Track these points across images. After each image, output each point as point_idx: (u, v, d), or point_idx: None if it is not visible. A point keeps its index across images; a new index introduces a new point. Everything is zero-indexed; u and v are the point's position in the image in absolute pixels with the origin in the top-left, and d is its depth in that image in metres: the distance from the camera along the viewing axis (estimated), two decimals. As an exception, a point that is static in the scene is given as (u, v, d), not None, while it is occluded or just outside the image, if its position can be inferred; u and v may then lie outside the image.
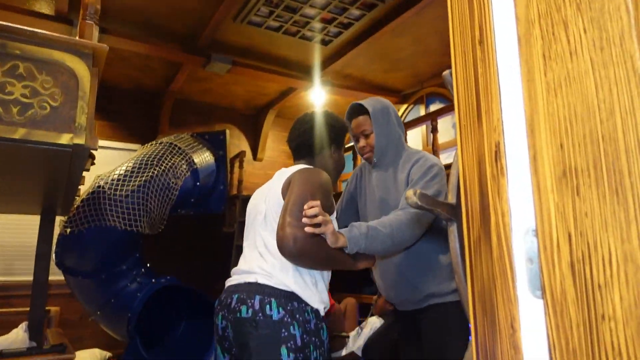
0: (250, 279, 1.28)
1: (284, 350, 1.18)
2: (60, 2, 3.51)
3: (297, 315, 1.23)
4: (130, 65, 4.64)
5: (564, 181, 0.46)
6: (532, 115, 0.51)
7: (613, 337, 0.41)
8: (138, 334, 3.48)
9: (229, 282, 1.38)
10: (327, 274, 1.40)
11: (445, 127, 4.67)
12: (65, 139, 1.21)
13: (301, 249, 1.18)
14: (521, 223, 0.55)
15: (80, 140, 1.22)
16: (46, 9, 3.71)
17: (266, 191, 1.46)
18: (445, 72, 0.78)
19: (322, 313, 1.31)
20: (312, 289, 1.29)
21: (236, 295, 1.27)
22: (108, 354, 4.22)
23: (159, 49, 4.07)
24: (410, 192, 0.64)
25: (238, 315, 1.24)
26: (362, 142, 1.70)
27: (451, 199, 0.70)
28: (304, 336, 1.22)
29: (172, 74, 4.76)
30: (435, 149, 3.41)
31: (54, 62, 1.26)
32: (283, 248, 1.19)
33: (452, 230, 0.69)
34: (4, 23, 1.20)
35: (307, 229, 1.19)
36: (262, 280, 1.26)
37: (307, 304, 1.26)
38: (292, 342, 1.19)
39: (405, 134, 1.68)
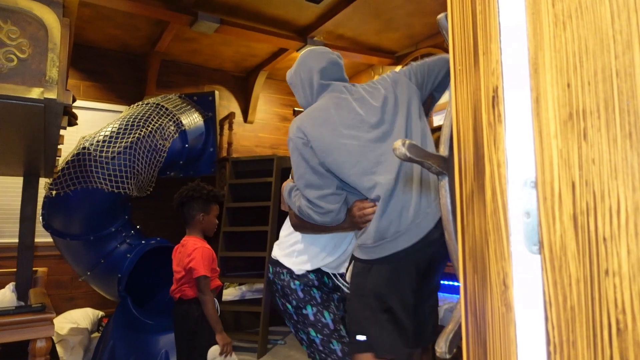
0: None
1: None
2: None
3: None
4: (114, 25, 4.45)
5: (570, 125, 0.42)
6: (537, 53, 0.46)
7: (617, 294, 0.38)
8: (129, 294, 3.49)
9: None
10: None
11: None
12: (35, 93, 1.14)
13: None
14: (518, 174, 0.51)
15: (51, 95, 1.15)
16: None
17: None
18: (440, 16, 0.72)
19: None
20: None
21: None
22: (100, 313, 4.25)
23: (143, 6, 3.88)
24: (398, 143, 0.59)
25: None
26: None
27: (443, 152, 0.66)
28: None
29: (158, 33, 4.58)
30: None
31: (20, 10, 1.17)
32: None
33: (443, 184, 0.65)
34: (-36, -37, 1.10)
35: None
36: None
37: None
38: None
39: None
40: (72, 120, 2.45)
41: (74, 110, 2.85)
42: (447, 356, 0.60)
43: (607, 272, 0.38)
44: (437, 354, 0.60)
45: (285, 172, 4.17)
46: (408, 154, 0.59)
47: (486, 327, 0.55)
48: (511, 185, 0.51)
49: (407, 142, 0.59)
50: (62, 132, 1.73)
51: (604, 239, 0.39)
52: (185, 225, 2.40)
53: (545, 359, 0.44)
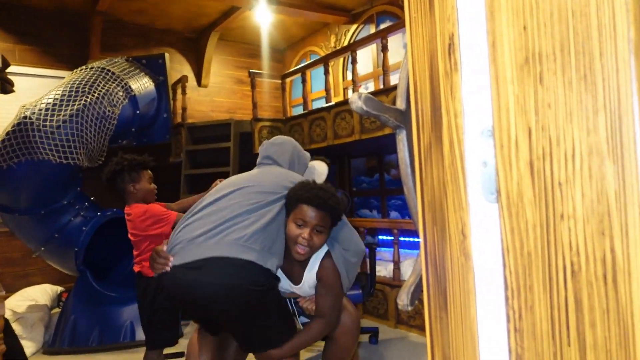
0: None
1: None
2: None
3: None
4: (47, -20, 4.11)
5: (526, 69, 0.41)
6: (493, -5, 0.44)
7: (572, 236, 0.38)
8: (88, 267, 3.40)
9: None
10: None
11: (396, 46, 4.55)
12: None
13: None
14: (476, 124, 0.50)
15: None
16: None
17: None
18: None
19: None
20: None
21: None
22: (60, 289, 4.13)
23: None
24: (354, 96, 0.57)
25: None
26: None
27: (400, 105, 0.64)
28: None
29: (99, -10, 4.28)
30: (385, 70, 3.32)
31: None
32: None
33: (401, 138, 0.64)
34: None
35: None
36: None
37: None
38: None
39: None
40: (7, 87, 2.28)
41: (10, 77, 2.65)
42: (409, 308, 0.61)
43: (562, 216, 0.39)
44: (399, 307, 0.61)
45: (243, 137, 4.09)
46: (365, 107, 0.57)
47: (446, 277, 0.55)
48: (468, 135, 0.51)
49: (364, 94, 0.57)
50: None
51: (560, 183, 0.39)
52: (125, 201, 2.31)
53: (503, 304, 0.45)
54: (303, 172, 1.88)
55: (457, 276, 0.54)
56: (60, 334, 3.21)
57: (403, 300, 0.61)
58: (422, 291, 0.64)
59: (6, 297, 2.16)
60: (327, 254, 1.62)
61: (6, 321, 2.31)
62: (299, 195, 1.53)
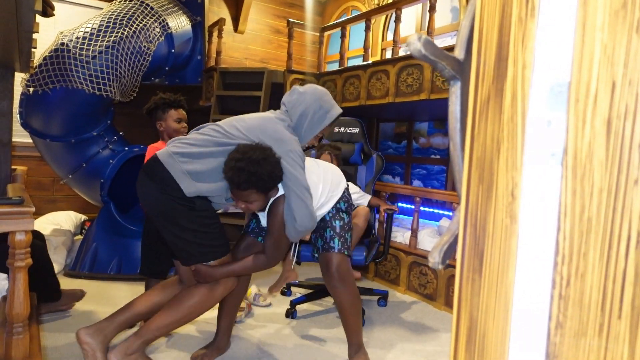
0: None
1: None
2: None
3: None
4: None
5: (622, 15, 0.36)
6: None
7: (644, 205, 0.35)
8: (112, 200, 3.49)
9: None
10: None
11: (443, 9, 4.35)
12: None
13: None
14: (545, 77, 0.46)
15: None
16: None
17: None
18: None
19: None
20: None
21: None
22: (83, 217, 4.28)
23: None
24: (414, 37, 0.53)
25: None
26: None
27: (458, 55, 0.60)
28: None
29: None
30: (430, 31, 3.19)
31: None
32: None
33: (454, 90, 0.60)
34: None
35: None
36: None
37: None
38: None
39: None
40: (48, 10, 2.26)
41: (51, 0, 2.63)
42: (440, 267, 0.59)
43: (636, 182, 0.35)
44: (430, 264, 0.59)
45: (275, 88, 4.04)
46: (423, 51, 0.53)
47: (485, 239, 0.53)
48: (535, 90, 0.47)
49: (424, 36, 0.53)
50: (37, 19, 1.60)
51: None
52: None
53: (549, 270, 0.43)
54: (314, 131, 1.93)
55: (498, 239, 0.51)
56: (81, 259, 3.34)
57: (435, 258, 0.59)
58: (454, 252, 0.62)
59: (34, 218, 2.22)
60: (281, 198, 1.82)
61: (41, 237, 2.41)
62: (224, 171, 1.72)
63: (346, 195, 2.11)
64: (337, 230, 2.03)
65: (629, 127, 0.36)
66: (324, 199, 2.00)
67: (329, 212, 2.05)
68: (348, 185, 2.17)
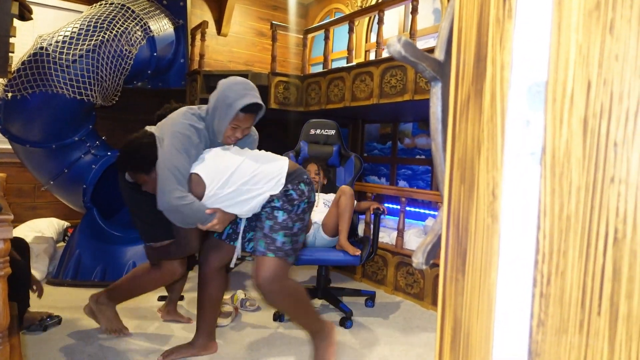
0: None
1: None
2: None
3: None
4: None
5: (596, 15, 0.37)
6: None
7: (620, 202, 0.35)
8: (95, 206, 3.43)
9: None
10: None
11: (425, 12, 4.39)
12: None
13: None
14: (523, 77, 0.46)
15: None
16: None
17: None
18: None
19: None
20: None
21: None
22: (66, 224, 4.20)
23: None
24: (394, 39, 0.53)
25: None
26: (238, 134, 2.02)
27: (438, 56, 0.60)
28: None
29: None
30: (412, 33, 3.21)
31: None
32: None
33: (435, 91, 0.60)
34: None
35: None
36: None
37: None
38: None
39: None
40: (26, 14, 2.23)
41: (29, 4, 2.58)
42: (423, 267, 0.59)
43: (612, 180, 0.36)
44: (414, 265, 0.59)
45: (260, 90, 4.02)
46: (403, 52, 0.53)
47: (467, 238, 0.53)
48: (513, 90, 0.47)
49: (404, 38, 0.53)
50: (15, 23, 1.57)
51: (615, 144, 0.36)
52: None
53: (530, 268, 0.43)
54: (224, 122, 1.95)
55: (480, 238, 0.52)
56: (64, 266, 3.28)
57: (419, 258, 0.59)
58: (438, 252, 0.62)
59: (14, 226, 2.18)
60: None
61: (22, 245, 2.36)
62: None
63: (292, 196, 1.91)
64: (265, 230, 1.90)
65: (605, 125, 0.36)
66: (234, 188, 1.87)
67: (264, 210, 1.93)
68: (308, 189, 1.98)
